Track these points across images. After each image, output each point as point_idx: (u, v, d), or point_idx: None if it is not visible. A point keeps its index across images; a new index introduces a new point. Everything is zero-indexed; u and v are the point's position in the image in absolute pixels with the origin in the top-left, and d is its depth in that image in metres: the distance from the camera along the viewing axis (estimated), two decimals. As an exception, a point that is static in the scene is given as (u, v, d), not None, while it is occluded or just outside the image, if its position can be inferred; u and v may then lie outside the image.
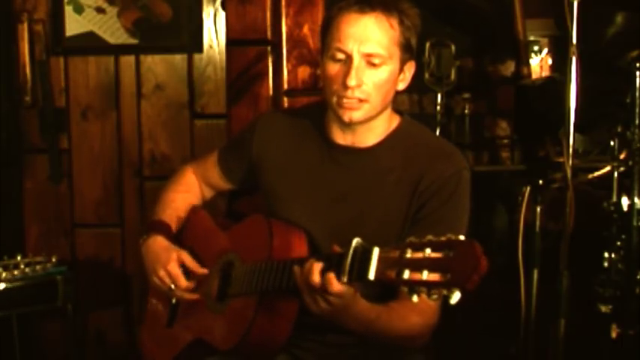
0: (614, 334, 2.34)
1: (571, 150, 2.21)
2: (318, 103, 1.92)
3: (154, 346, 2.12)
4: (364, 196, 1.85)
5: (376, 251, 1.46)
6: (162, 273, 1.97)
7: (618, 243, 2.40)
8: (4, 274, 2.46)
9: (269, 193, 1.98)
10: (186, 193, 2.17)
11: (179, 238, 2.11)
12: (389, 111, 1.87)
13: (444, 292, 1.33)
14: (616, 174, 2.41)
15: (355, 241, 1.51)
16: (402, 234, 1.81)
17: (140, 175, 3.07)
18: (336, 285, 1.52)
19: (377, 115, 1.82)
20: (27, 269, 2.50)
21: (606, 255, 2.41)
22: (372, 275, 1.45)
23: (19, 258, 2.50)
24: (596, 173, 2.44)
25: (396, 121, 1.90)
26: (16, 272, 2.48)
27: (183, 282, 1.96)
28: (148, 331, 2.16)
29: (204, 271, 1.97)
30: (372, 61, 1.74)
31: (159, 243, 2.02)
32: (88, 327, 3.12)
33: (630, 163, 2.37)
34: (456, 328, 1.84)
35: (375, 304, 1.69)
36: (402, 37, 1.76)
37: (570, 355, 2.26)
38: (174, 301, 2.05)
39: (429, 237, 1.40)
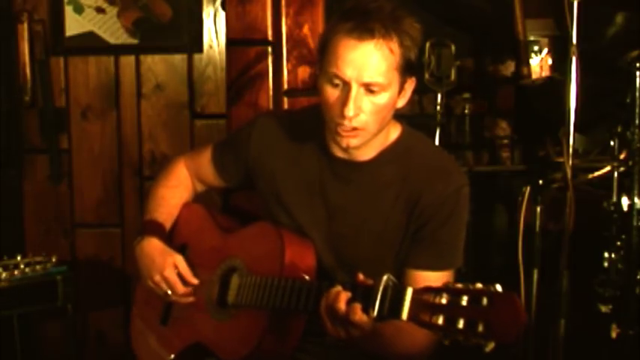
0: (614, 334, 2.34)
1: (571, 150, 2.21)
2: (318, 109, 1.85)
3: (147, 346, 2.10)
4: (362, 210, 1.84)
5: (409, 291, 1.45)
6: (157, 278, 1.96)
7: (618, 243, 2.40)
8: (4, 274, 2.46)
9: (268, 198, 1.95)
10: (177, 187, 2.13)
11: (172, 233, 2.08)
12: (390, 127, 1.85)
13: (481, 341, 1.33)
14: (616, 174, 2.41)
15: (386, 277, 1.50)
16: (400, 250, 1.81)
17: (140, 175, 3.08)
18: (359, 315, 1.51)
19: (376, 135, 1.80)
20: (27, 269, 2.50)
21: (606, 255, 2.41)
22: (405, 316, 1.44)
23: (19, 258, 2.50)
24: (596, 173, 2.44)
25: (395, 132, 1.87)
26: (16, 272, 2.48)
27: (180, 288, 1.95)
28: (139, 331, 2.15)
29: (195, 281, 1.96)
30: (370, 88, 1.69)
31: (154, 246, 2.00)
32: (88, 327, 3.13)
33: (630, 163, 2.37)
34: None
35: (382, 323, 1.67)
36: (401, 60, 1.70)
37: (570, 355, 2.26)
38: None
39: (468, 285, 1.38)
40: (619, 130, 2.42)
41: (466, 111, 3.01)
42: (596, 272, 2.42)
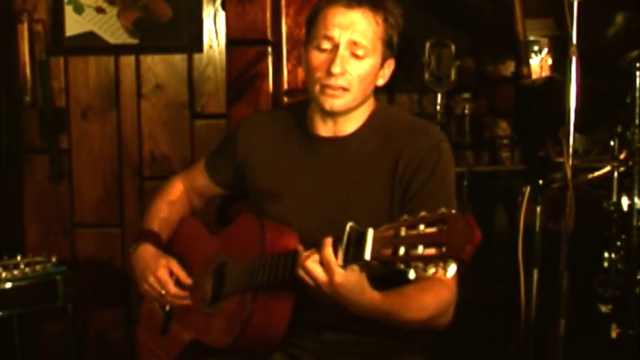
0: (614, 334, 2.34)
1: (571, 150, 2.21)
2: (301, 101, 1.97)
3: (152, 356, 2.12)
4: (348, 183, 1.87)
5: (370, 232, 1.48)
6: (151, 279, 2.00)
7: (618, 243, 2.40)
8: (4, 274, 2.46)
9: (255, 191, 2.00)
10: (174, 203, 2.19)
11: (169, 247, 2.12)
12: (369, 101, 1.91)
13: (440, 264, 1.36)
14: (616, 174, 2.41)
15: (349, 225, 1.54)
16: (392, 215, 1.81)
17: (140, 175, 3.08)
18: (334, 268, 1.54)
19: (357, 107, 1.87)
20: (27, 269, 2.50)
21: (606, 255, 2.41)
22: (367, 255, 1.47)
23: (19, 258, 2.50)
24: (596, 173, 2.44)
25: (371, 105, 1.93)
26: (16, 272, 2.48)
27: (172, 288, 1.99)
28: (145, 341, 2.16)
29: (189, 281, 2.00)
30: (355, 52, 1.79)
31: (148, 251, 2.05)
32: (88, 327, 3.13)
33: (630, 163, 2.37)
34: (456, 328, 1.84)
35: (387, 292, 1.68)
36: (385, 34, 1.82)
37: (570, 355, 2.26)
38: (167, 308, 2.06)
39: (422, 213, 1.42)
40: (619, 130, 2.42)
41: (466, 111, 3.01)
42: (596, 272, 2.42)
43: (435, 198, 1.78)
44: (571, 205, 2.19)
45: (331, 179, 1.88)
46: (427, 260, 1.37)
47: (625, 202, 2.39)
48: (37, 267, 2.52)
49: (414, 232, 1.40)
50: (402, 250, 1.41)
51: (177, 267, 2.01)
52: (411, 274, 1.40)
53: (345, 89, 1.80)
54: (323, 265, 1.57)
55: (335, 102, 1.82)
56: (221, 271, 1.93)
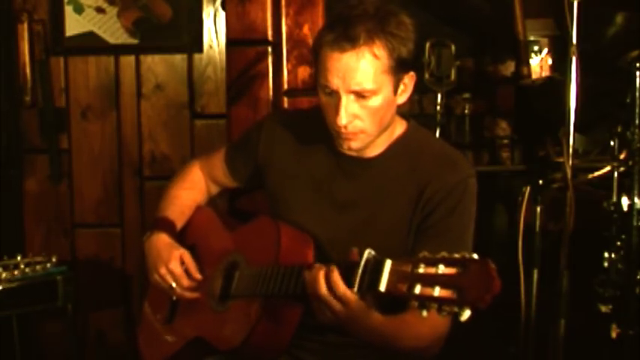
0: (614, 334, 2.34)
1: (571, 150, 2.21)
2: None
3: (152, 343, 2.12)
4: (369, 205, 1.84)
5: (388, 263, 1.45)
6: (163, 271, 1.98)
7: (618, 243, 2.40)
8: (4, 274, 2.46)
9: (274, 195, 1.97)
10: (192, 189, 2.16)
11: (183, 235, 2.11)
12: (394, 124, 1.86)
13: (455, 309, 1.32)
14: (616, 174, 2.41)
15: (367, 251, 1.50)
16: (407, 242, 1.81)
17: (140, 175, 3.08)
18: (342, 289, 1.52)
19: (378, 136, 1.81)
20: (27, 269, 2.50)
21: (606, 255, 2.41)
22: (383, 287, 1.44)
23: (19, 258, 2.50)
24: (596, 173, 2.43)
25: (401, 127, 1.88)
26: (16, 272, 2.48)
27: (185, 281, 1.97)
28: (146, 328, 2.16)
29: (199, 276, 1.98)
30: (360, 94, 1.69)
31: (162, 240, 2.02)
32: (88, 327, 3.13)
33: (630, 163, 2.36)
34: (456, 328, 1.84)
35: (386, 315, 1.68)
36: (389, 61, 1.68)
37: (570, 355, 2.26)
38: (174, 298, 2.06)
39: (443, 253, 1.38)
40: (619, 130, 2.41)
41: (466, 111, 3.01)
42: (596, 272, 2.42)
43: (452, 232, 1.77)
44: (571, 205, 2.19)
45: (352, 198, 1.86)
46: (442, 302, 1.33)
47: (625, 202, 2.38)
48: (37, 267, 2.52)
49: (433, 270, 1.37)
50: (417, 288, 1.37)
51: (190, 260, 1.99)
52: (424, 313, 1.37)
53: (357, 132, 1.74)
54: (331, 287, 1.54)
55: (352, 144, 1.76)
56: (232, 270, 1.92)
